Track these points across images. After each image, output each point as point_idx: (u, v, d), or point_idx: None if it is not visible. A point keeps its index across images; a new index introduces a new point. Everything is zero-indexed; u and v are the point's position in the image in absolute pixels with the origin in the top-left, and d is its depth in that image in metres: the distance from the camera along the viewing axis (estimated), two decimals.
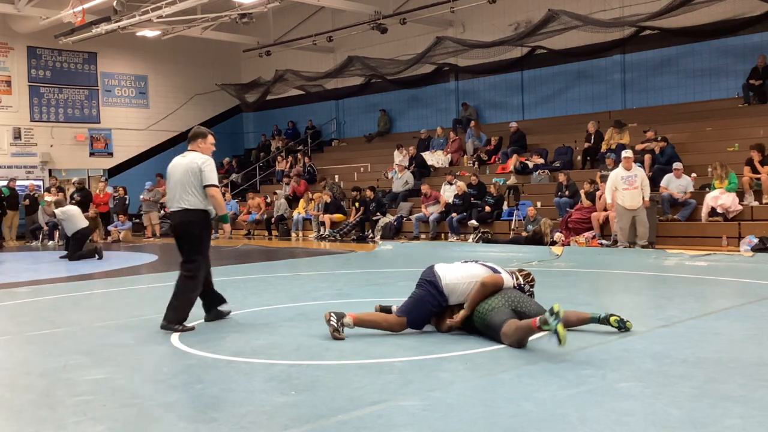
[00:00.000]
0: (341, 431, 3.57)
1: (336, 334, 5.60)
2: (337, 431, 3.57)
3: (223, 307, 6.81)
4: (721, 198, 12.55)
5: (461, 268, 5.76)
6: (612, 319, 5.64)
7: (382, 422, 3.66)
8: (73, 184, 21.31)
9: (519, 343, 5.19)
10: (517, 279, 5.84)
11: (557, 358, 4.90)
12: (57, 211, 14.42)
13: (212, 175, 6.50)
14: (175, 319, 6.27)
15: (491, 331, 5.38)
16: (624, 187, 12.24)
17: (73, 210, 14.53)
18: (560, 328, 4.69)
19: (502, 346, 5.25)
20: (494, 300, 5.49)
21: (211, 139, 6.75)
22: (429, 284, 5.70)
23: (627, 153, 12.64)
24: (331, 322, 5.63)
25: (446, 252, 13.79)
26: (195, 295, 6.50)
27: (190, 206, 6.44)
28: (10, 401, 4.26)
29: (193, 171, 6.44)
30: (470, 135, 19.33)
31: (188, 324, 6.31)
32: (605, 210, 13.41)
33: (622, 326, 5.63)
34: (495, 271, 5.70)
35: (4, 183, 20.43)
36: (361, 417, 3.74)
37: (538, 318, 4.93)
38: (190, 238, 6.53)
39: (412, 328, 5.76)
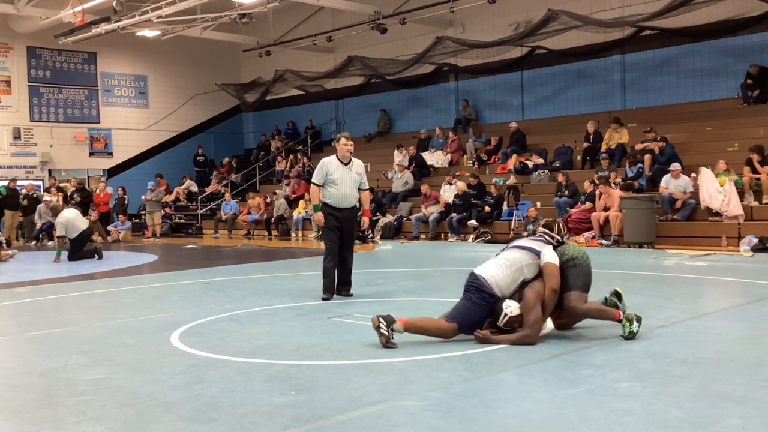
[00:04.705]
0: (341, 431, 3.57)
1: (389, 344, 5.25)
2: (337, 431, 3.57)
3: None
4: (720, 196, 12.50)
5: (499, 262, 5.60)
6: (618, 290, 5.91)
7: (382, 422, 3.66)
8: (74, 185, 21.28)
9: (579, 318, 5.65)
10: (553, 239, 5.74)
11: (557, 358, 4.91)
12: (57, 220, 14.00)
13: (314, 173, 8.00)
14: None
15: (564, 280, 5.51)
16: None
17: (71, 214, 14.13)
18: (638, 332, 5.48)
19: (502, 346, 5.24)
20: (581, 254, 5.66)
21: (343, 141, 7.97)
22: (474, 290, 5.49)
23: None
24: (381, 330, 5.27)
25: (446, 252, 13.80)
26: (323, 266, 7.95)
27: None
28: (10, 401, 4.25)
29: None
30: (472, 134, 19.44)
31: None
32: (605, 210, 13.42)
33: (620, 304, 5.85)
34: (532, 251, 5.57)
35: (5, 183, 20.44)
36: (361, 417, 3.74)
37: (622, 314, 5.48)
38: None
39: (465, 334, 5.49)
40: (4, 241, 14.69)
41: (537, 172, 16.57)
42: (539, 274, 5.55)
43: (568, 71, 19.03)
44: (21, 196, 20.18)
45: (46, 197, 19.40)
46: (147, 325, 6.59)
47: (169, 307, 7.65)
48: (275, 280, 10.07)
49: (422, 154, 19.49)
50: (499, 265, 5.58)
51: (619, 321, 5.45)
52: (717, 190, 12.54)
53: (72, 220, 13.82)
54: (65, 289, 9.65)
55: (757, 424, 3.52)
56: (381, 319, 5.31)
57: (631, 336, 5.35)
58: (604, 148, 15.87)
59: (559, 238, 5.77)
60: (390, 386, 4.30)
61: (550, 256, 5.54)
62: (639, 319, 5.43)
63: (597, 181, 14.15)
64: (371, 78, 22.16)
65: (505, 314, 5.37)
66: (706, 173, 12.75)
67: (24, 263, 13.83)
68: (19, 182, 21.08)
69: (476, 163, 18.45)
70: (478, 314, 5.48)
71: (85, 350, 5.57)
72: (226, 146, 27.23)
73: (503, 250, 5.83)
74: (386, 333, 5.28)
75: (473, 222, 15.35)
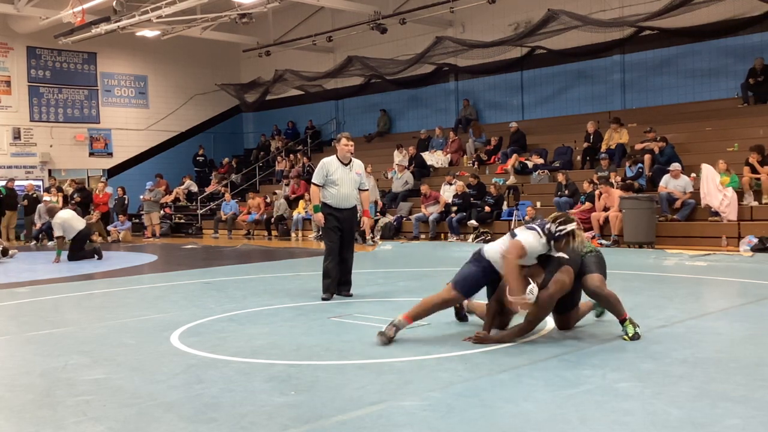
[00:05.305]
0: (341, 431, 3.57)
1: (381, 337, 5.38)
2: (337, 431, 3.57)
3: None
4: (720, 195, 12.51)
5: (498, 242, 5.73)
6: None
7: (382, 422, 3.67)
8: (73, 186, 21.26)
9: (579, 317, 5.83)
10: (547, 231, 5.47)
11: (557, 358, 4.91)
12: (54, 221, 13.91)
13: (314, 174, 8.00)
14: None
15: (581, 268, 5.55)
16: None
17: (67, 215, 14.02)
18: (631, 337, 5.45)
19: (501, 346, 5.24)
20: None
21: (343, 141, 7.95)
22: (473, 256, 5.71)
23: None
24: (382, 329, 5.44)
25: (446, 252, 13.79)
26: (324, 266, 7.92)
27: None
28: (10, 401, 4.25)
29: None
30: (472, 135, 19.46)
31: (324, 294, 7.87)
32: (605, 210, 13.42)
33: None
34: (513, 235, 5.55)
35: (2, 183, 20.43)
36: (361, 417, 3.74)
37: (629, 316, 5.45)
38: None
39: (466, 294, 5.60)
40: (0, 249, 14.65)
41: (537, 172, 16.57)
42: (557, 264, 5.42)
43: (568, 71, 19.03)
44: (21, 196, 20.18)
45: (46, 197, 19.39)
46: (147, 325, 6.60)
47: (169, 307, 7.65)
48: (275, 280, 10.07)
49: (422, 154, 19.50)
50: (497, 245, 5.71)
51: (624, 321, 5.46)
52: (717, 188, 12.53)
53: (68, 220, 13.75)
54: (65, 289, 9.65)
55: (757, 424, 3.52)
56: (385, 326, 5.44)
57: (636, 337, 5.38)
58: (604, 148, 15.87)
59: (546, 224, 5.45)
60: (390, 386, 4.30)
61: (521, 236, 5.41)
62: (638, 326, 5.47)
63: (597, 181, 14.14)
64: (371, 78, 22.15)
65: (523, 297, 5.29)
66: (707, 169, 12.72)
67: (24, 263, 13.83)
68: (18, 182, 21.09)
69: (476, 163, 18.45)
70: (474, 274, 5.57)
71: (85, 350, 5.57)
72: (226, 146, 27.23)
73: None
74: (384, 331, 5.38)
75: (473, 222, 15.35)
